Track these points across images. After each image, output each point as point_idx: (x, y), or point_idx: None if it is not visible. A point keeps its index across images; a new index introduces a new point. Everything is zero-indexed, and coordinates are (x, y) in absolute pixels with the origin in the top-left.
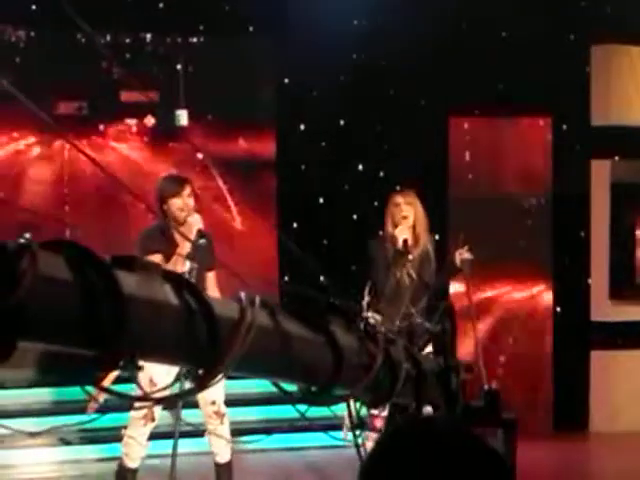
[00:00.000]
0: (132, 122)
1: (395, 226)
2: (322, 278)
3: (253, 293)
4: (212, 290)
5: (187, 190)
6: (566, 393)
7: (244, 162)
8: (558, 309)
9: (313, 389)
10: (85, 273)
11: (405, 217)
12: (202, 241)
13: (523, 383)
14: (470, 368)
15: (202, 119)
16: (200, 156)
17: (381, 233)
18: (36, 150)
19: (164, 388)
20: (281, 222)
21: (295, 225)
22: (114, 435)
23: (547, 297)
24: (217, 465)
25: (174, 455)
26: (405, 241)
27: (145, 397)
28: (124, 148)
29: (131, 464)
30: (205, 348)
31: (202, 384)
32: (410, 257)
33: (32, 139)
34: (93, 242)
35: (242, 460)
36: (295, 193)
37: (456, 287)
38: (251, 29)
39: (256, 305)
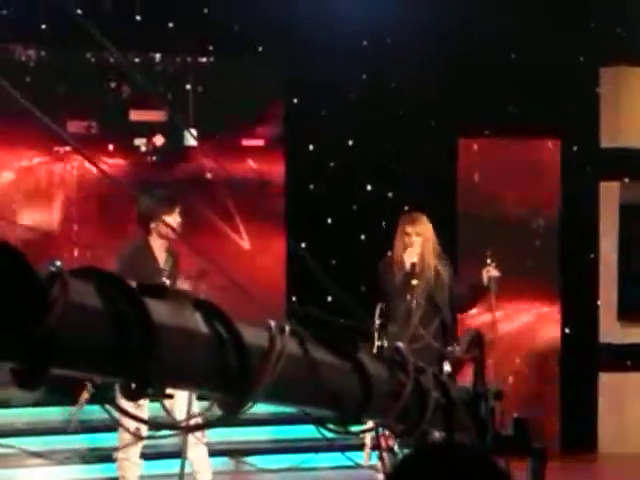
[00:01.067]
0: (141, 141)
1: (404, 250)
2: (332, 296)
3: (273, 318)
4: None
5: (178, 208)
6: (575, 415)
7: (253, 182)
8: (567, 330)
9: (342, 417)
10: (115, 301)
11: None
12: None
13: (531, 404)
14: (499, 396)
15: (211, 139)
16: (209, 176)
17: (389, 253)
18: (44, 168)
19: (192, 417)
20: (289, 242)
21: (303, 245)
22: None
23: (555, 318)
24: None
25: (182, 475)
26: (413, 265)
27: (173, 426)
28: (133, 167)
29: None
30: (235, 376)
31: (232, 412)
32: (414, 282)
33: (40, 158)
34: (103, 261)
35: None
36: (303, 213)
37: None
38: (260, 49)
39: (285, 333)
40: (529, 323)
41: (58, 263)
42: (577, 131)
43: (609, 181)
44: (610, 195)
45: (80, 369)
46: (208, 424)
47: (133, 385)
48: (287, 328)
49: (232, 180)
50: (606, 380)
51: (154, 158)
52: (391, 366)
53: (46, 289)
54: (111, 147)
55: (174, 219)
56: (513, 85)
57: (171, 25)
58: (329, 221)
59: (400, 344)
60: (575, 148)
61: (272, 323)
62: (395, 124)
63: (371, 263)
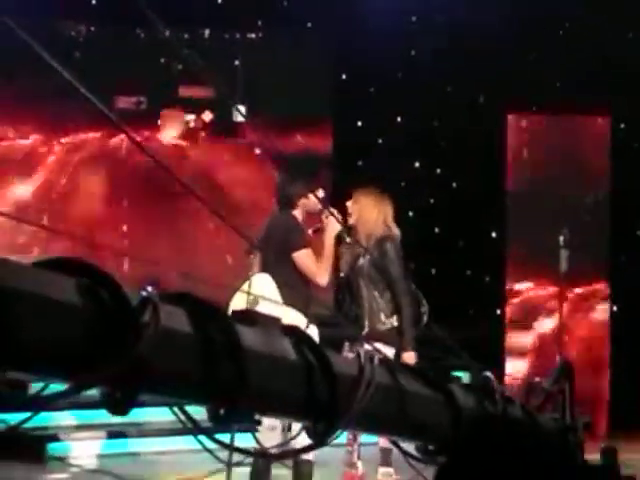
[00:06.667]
0: (190, 117)
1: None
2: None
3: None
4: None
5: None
6: (623, 392)
7: (301, 157)
8: (615, 308)
9: (430, 448)
10: (206, 327)
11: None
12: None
13: (579, 382)
14: (588, 426)
15: (260, 115)
16: (258, 151)
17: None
18: (94, 145)
19: (283, 443)
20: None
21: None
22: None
23: (604, 295)
24: None
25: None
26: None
27: (265, 453)
28: (182, 143)
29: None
30: (324, 404)
31: (321, 440)
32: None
33: (90, 134)
34: (150, 239)
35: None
36: (351, 189)
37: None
38: (309, 25)
39: (375, 362)
40: (577, 299)
41: (150, 288)
42: (626, 108)
43: None
44: None
45: (169, 394)
46: (296, 451)
47: (222, 411)
48: (376, 357)
49: (280, 155)
50: None
51: (203, 134)
52: (479, 397)
53: (138, 314)
54: (160, 122)
55: (319, 193)
56: (562, 61)
57: (220, 1)
58: None
59: (489, 373)
60: (624, 125)
61: (361, 351)
62: (443, 100)
63: (418, 240)
